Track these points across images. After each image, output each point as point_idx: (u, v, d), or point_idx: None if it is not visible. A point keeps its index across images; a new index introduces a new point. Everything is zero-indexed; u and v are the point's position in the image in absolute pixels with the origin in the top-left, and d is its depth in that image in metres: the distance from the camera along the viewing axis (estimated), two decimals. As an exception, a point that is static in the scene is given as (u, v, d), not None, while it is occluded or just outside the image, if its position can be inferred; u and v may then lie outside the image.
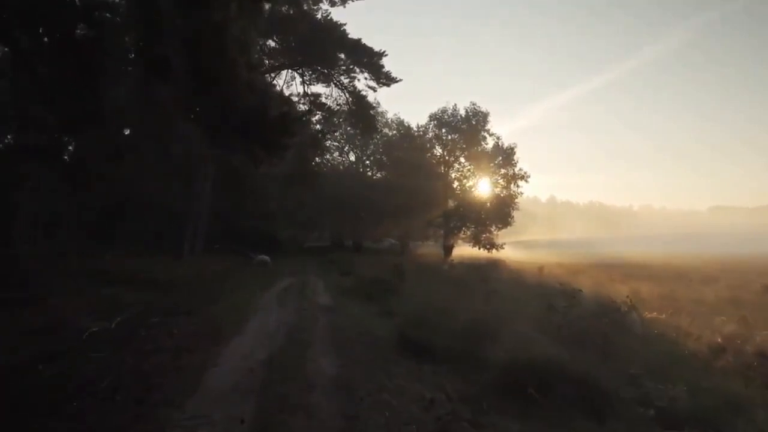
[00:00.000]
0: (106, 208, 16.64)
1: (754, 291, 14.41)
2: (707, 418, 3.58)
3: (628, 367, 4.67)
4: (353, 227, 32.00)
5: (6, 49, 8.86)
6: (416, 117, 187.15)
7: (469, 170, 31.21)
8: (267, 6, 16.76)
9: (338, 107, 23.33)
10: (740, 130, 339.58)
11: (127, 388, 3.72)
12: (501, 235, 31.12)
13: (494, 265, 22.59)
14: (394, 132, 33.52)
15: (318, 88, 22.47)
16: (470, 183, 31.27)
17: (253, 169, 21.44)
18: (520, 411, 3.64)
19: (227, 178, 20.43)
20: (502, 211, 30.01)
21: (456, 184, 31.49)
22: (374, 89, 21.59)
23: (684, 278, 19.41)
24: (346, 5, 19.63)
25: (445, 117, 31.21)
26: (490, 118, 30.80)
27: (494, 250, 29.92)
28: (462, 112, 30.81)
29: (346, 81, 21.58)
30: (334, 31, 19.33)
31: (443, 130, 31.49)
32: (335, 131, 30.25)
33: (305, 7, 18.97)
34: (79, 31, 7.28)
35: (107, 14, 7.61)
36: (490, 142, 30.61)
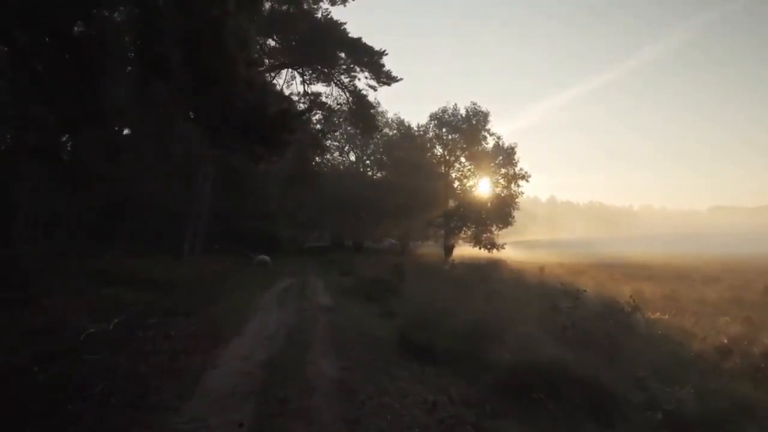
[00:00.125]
0: (106, 208, 16.61)
1: (756, 291, 14.34)
2: (716, 422, 3.51)
3: (634, 369, 4.59)
4: (353, 227, 31.94)
5: (5, 48, 8.79)
6: (416, 117, 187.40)
7: (469, 170, 31.14)
8: (267, 5, 16.72)
9: (338, 106, 23.28)
10: (740, 130, 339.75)
11: (123, 391, 3.64)
12: (501, 235, 31.04)
13: (495, 265, 22.52)
14: (395, 132, 33.46)
15: (318, 88, 22.44)
16: (471, 183, 31.21)
17: (253, 169, 21.42)
18: (525, 414, 3.57)
19: (227, 178, 20.38)
20: (502, 211, 29.93)
21: (456, 183, 31.43)
22: (375, 88, 21.54)
23: (685, 278, 19.35)
24: (346, 4, 19.57)
25: (446, 117, 31.14)
26: (490, 118, 30.76)
27: (495, 250, 29.84)
28: (462, 112, 30.76)
29: (346, 80, 21.53)
30: (334, 30, 19.26)
31: (444, 130, 31.42)
32: (335, 131, 30.19)
33: (305, 6, 18.91)
34: (77, 29, 7.22)
35: (105, 12, 7.53)
36: (490, 142, 30.58)
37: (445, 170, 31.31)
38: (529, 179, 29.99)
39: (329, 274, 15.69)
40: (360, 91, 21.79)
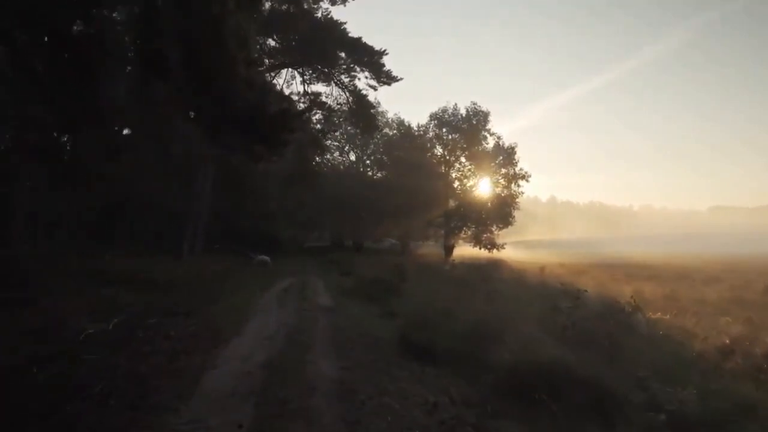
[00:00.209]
0: (106, 208, 16.60)
1: (757, 291, 14.35)
2: (718, 422, 3.49)
3: (636, 370, 4.57)
4: (353, 227, 31.90)
5: (4, 48, 8.78)
6: (416, 117, 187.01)
7: (469, 170, 31.11)
8: (267, 4, 16.70)
9: (338, 106, 23.25)
10: (740, 130, 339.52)
11: (122, 391, 3.62)
12: (502, 235, 31.01)
13: (495, 265, 22.53)
14: (395, 132, 33.43)
15: (318, 88, 22.40)
16: (471, 183, 31.19)
17: (254, 169, 21.40)
18: (527, 415, 3.55)
19: (227, 178, 20.36)
20: (503, 211, 29.90)
21: (457, 183, 31.41)
22: (375, 88, 21.50)
23: (686, 278, 19.36)
24: (346, 4, 19.54)
25: (446, 116, 31.12)
26: (490, 118, 30.74)
27: (495, 250, 29.82)
28: (462, 112, 30.74)
29: (346, 80, 21.49)
30: (334, 30, 19.23)
31: (444, 130, 31.40)
32: (335, 131, 30.15)
33: (305, 6, 18.87)
34: (76, 28, 7.20)
35: (105, 11, 7.51)
36: (490, 142, 30.56)
37: (445, 170, 31.29)
38: (530, 179, 30.01)
39: (329, 274, 15.67)
40: (360, 90, 21.79)
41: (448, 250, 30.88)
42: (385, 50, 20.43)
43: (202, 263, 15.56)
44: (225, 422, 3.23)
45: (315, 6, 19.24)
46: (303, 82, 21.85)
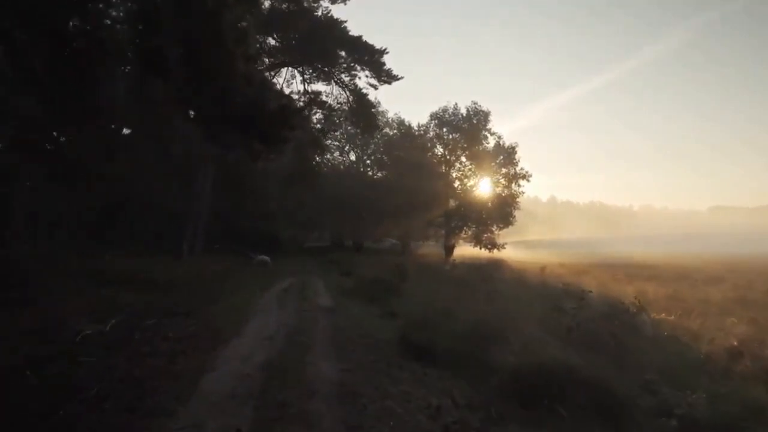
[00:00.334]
0: (106, 208, 16.53)
1: (760, 291, 14.27)
2: (729, 426, 3.41)
3: (642, 372, 4.49)
4: (353, 227, 31.80)
5: (1, 46, 8.70)
6: (416, 117, 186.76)
7: (470, 169, 31.00)
8: (267, 3, 16.61)
9: (339, 105, 23.15)
10: (740, 130, 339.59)
11: (119, 394, 3.54)
12: (502, 235, 30.90)
13: (496, 265, 22.45)
14: (395, 131, 33.33)
15: (318, 87, 22.31)
16: (471, 182, 31.07)
17: (254, 169, 21.31)
18: (532, 419, 3.47)
19: (227, 178, 20.28)
20: (503, 211, 29.80)
21: (457, 183, 31.30)
22: (375, 87, 21.39)
23: (687, 278, 19.28)
24: (347, 3, 19.43)
25: (446, 116, 31.02)
26: (490, 118, 30.64)
27: (495, 250, 29.73)
28: (463, 111, 30.63)
29: (346, 79, 21.39)
30: (334, 29, 19.14)
31: (444, 130, 31.29)
32: (336, 130, 30.06)
33: (305, 4, 18.78)
34: (73, 23, 7.11)
35: (100, 5, 7.42)
36: (491, 141, 30.45)
37: (445, 170, 31.19)
38: (530, 179, 29.89)
39: (329, 274, 15.59)
40: (360, 89, 21.68)
41: (449, 250, 30.79)
42: (385, 49, 20.34)
43: (202, 263, 15.49)
44: (223, 426, 3.15)
45: (315, 5, 19.14)
46: (303, 81, 21.76)
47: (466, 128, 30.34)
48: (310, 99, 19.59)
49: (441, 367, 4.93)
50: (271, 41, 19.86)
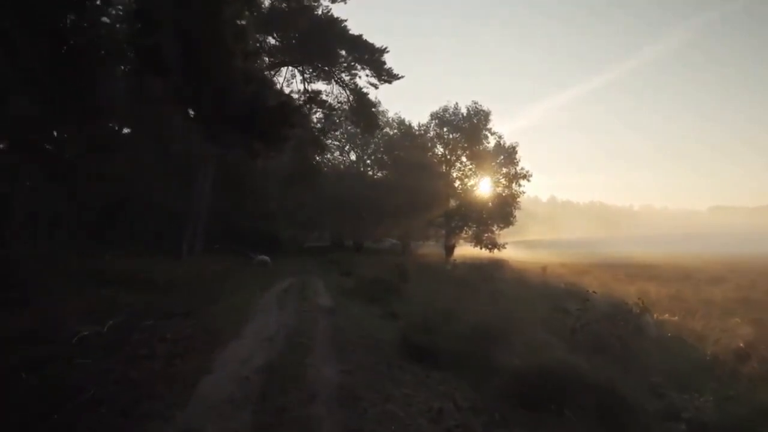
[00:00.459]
0: (106, 208, 16.46)
1: (762, 291, 14.20)
2: (737, 431, 3.33)
3: (648, 375, 4.41)
4: (354, 227, 31.71)
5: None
6: (416, 117, 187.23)
7: (470, 169, 30.89)
8: (267, 1, 16.53)
9: (339, 105, 23.07)
10: (740, 130, 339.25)
11: (114, 398, 3.47)
12: (502, 235, 30.81)
13: (497, 265, 22.39)
14: (395, 131, 33.23)
15: (319, 86, 22.23)
16: (472, 182, 30.95)
17: (254, 169, 21.24)
18: (536, 422, 3.40)
19: (227, 178, 20.19)
20: (504, 211, 29.71)
21: (457, 183, 31.19)
22: (376, 86, 21.30)
23: (688, 278, 19.22)
24: (347, 2, 19.35)
25: (447, 116, 30.92)
26: (491, 117, 30.54)
27: (496, 250, 29.65)
28: (463, 111, 30.52)
29: (347, 78, 21.30)
30: (334, 27, 19.06)
31: (444, 129, 31.19)
32: (336, 130, 29.99)
33: (305, 3, 18.69)
34: (71, 21, 7.05)
35: (98, 2, 7.35)
36: (491, 141, 30.34)
37: (446, 169, 31.10)
38: (531, 178, 29.79)
39: (329, 275, 15.52)
40: (361, 89, 21.60)
41: (449, 249, 30.71)
42: (386, 48, 20.26)
43: (202, 263, 15.42)
44: (221, 431, 3.08)
45: (315, 3, 19.05)
46: (303, 80, 21.66)
47: (466, 128, 30.24)
48: (310, 97, 19.48)
49: (443, 369, 4.86)
50: (271, 40, 19.79)
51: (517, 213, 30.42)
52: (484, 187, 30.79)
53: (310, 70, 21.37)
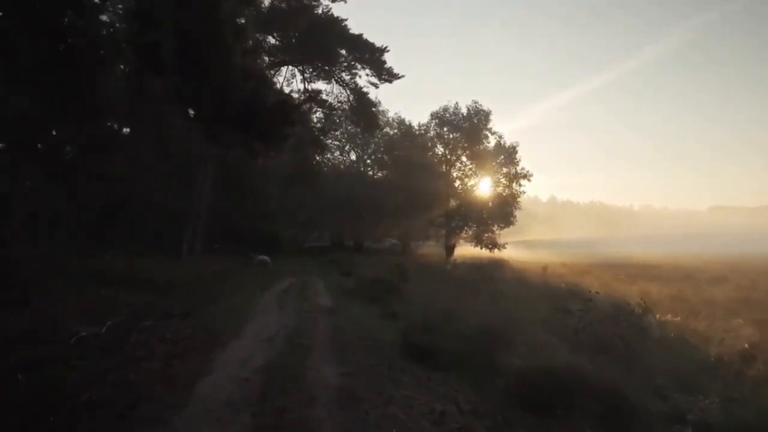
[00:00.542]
0: (106, 208, 16.41)
1: (764, 291, 14.15)
2: (743, 433, 3.29)
3: (652, 376, 4.37)
4: (354, 227, 31.65)
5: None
6: (416, 117, 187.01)
7: (470, 169, 30.82)
8: (267, 1, 16.48)
9: (339, 104, 23.01)
10: (740, 130, 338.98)
11: (111, 400, 3.42)
12: (503, 235, 30.76)
13: (497, 264, 22.36)
14: (395, 131, 33.17)
15: (319, 85, 22.18)
16: (472, 182, 30.88)
17: (254, 169, 21.17)
18: (540, 425, 3.35)
19: (227, 178, 20.14)
20: (504, 211, 29.65)
21: (458, 183, 31.13)
22: (376, 85, 21.25)
23: (689, 278, 19.18)
24: (347, 1, 19.33)
25: (447, 115, 30.87)
26: (491, 117, 30.48)
27: (496, 250, 29.60)
28: (464, 111, 30.45)
29: (347, 77, 21.24)
30: (334, 26, 19.01)
31: (445, 129, 31.13)
32: (336, 130, 29.93)
33: (305, 2, 18.64)
34: (69, 20, 7.00)
35: (96, 0, 7.31)
36: (492, 141, 30.27)
37: (446, 169, 31.04)
38: (531, 178, 29.73)
39: (329, 275, 15.48)
40: (361, 88, 21.54)
41: (449, 249, 30.66)
42: (386, 47, 20.20)
43: (201, 263, 15.37)
44: (220, 434, 3.03)
45: (315, 2, 19.00)
46: (303, 80, 21.60)
47: (466, 127, 30.18)
48: (310, 96, 19.43)
49: (444, 370, 4.82)
50: (271, 40, 19.74)
51: (517, 213, 30.35)
52: (484, 187, 30.75)
53: (310, 70, 21.32)
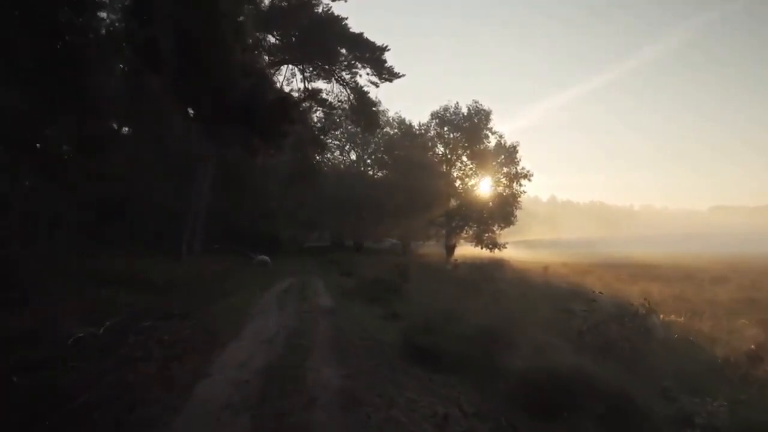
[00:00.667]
0: (106, 208, 16.36)
1: (766, 291, 14.08)
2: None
3: (658, 378, 4.30)
4: (354, 227, 31.60)
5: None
6: (417, 116, 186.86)
7: (471, 169, 30.76)
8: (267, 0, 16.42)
9: (339, 104, 22.94)
10: (740, 130, 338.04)
11: (108, 403, 3.36)
12: (503, 235, 30.71)
13: (498, 264, 22.27)
14: (396, 131, 33.11)
15: (319, 85, 22.07)
16: (472, 182, 30.81)
17: (253, 168, 21.12)
18: (544, 428, 3.29)
19: (227, 178, 20.09)
20: (504, 210, 29.60)
21: (458, 182, 31.06)
22: (376, 85, 21.17)
23: (691, 278, 19.12)
24: (347, 0, 19.25)
25: (447, 115, 30.80)
26: (491, 117, 30.43)
27: (497, 250, 29.55)
28: (464, 110, 30.39)
29: (347, 76, 21.16)
30: (334, 25, 18.94)
31: (445, 129, 31.07)
32: (336, 129, 29.86)
33: (305, 0, 18.56)
34: (68, 18, 6.94)
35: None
36: (492, 141, 30.21)
37: (446, 169, 30.98)
38: (532, 178, 29.67)
39: (330, 275, 15.43)
40: (361, 87, 21.46)
41: (450, 249, 30.61)
42: (386, 46, 20.13)
43: (201, 263, 15.32)
44: (219, 438, 2.97)
45: (315, 1, 18.92)
46: (303, 79, 21.51)
47: (467, 127, 30.12)
48: (310, 95, 19.35)
49: (446, 372, 4.76)
50: (271, 38, 19.66)
51: (517, 213, 30.31)
52: (484, 186, 30.69)
53: (311, 69, 21.24)
